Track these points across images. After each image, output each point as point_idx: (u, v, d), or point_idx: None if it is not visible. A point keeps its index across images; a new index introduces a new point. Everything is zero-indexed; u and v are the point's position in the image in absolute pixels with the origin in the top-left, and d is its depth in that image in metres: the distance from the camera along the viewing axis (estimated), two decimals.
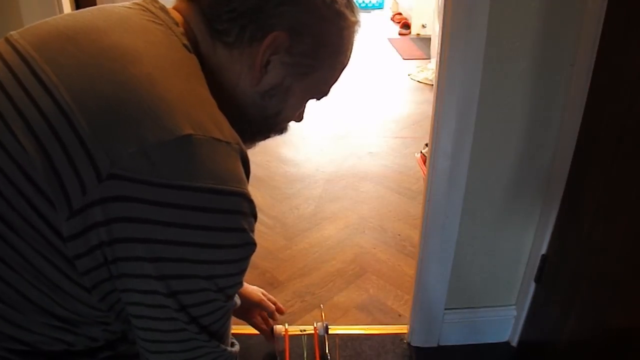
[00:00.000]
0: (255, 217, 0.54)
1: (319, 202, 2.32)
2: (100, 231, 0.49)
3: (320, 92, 0.69)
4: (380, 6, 6.50)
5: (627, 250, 1.03)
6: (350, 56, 0.68)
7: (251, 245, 0.54)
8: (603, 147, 1.11)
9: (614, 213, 1.08)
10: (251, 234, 0.54)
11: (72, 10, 1.45)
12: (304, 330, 1.50)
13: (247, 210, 0.53)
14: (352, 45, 0.67)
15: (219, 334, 0.57)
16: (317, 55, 0.63)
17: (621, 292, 1.05)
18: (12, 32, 0.58)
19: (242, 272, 0.56)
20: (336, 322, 1.61)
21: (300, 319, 1.61)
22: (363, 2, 6.45)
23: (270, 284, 1.79)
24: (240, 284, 0.57)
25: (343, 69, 0.69)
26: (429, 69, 4.06)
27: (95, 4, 1.47)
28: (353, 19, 0.65)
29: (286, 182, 2.48)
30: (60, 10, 1.37)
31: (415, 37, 5.22)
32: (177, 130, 0.49)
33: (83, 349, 0.60)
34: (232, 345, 0.62)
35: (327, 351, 1.47)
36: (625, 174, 1.03)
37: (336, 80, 0.69)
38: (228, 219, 0.51)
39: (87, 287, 0.53)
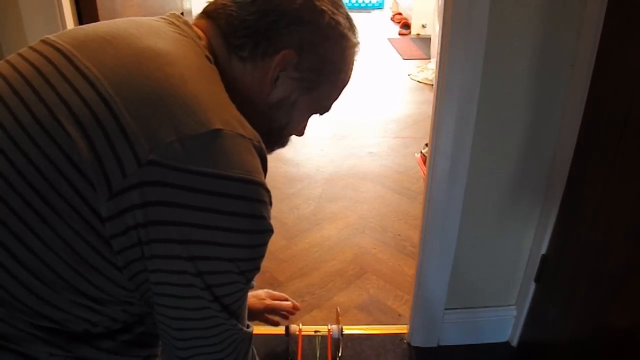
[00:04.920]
0: (271, 205, 0.60)
1: (319, 202, 2.33)
2: (136, 213, 0.52)
3: (323, 107, 0.75)
4: (380, 6, 6.50)
5: (627, 250, 1.03)
6: (350, 75, 0.75)
7: (270, 232, 0.59)
8: (603, 147, 1.11)
9: (614, 213, 1.08)
10: (270, 220, 0.59)
11: (73, 11, 1.45)
12: (318, 332, 1.50)
13: (267, 199, 0.58)
14: (352, 64, 0.74)
15: (237, 313, 0.61)
16: (322, 72, 0.70)
17: (621, 292, 1.05)
18: (47, 35, 0.62)
19: (261, 257, 0.61)
20: (336, 322, 1.60)
21: (300, 319, 1.61)
22: (363, 2, 6.46)
23: (270, 284, 1.79)
24: (258, 268, 0.61)
25: (344, 87, 0.75)
26: (429, 69, 4.06)
27: (95, 6, 1.47)
28: (354, 40, 0.72)
29: (286, 182, 2.48)
30: (61, 11, 1.37)
31: (415, 37, 5.22)
32: (209, 124, 0.54)
33: (103, 330, 0.63)
34: (248, 326, 0.66)
35: (339, 354, 1.47)
36: (625, 174, 1.03)
37: (338, 96, 0.76)
38: (251, 206, 0.56)
39: (120, 265, 0.56)
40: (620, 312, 1.05)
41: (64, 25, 1.38)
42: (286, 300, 1.33)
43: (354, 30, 0.72)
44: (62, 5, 1.37)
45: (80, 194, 0.52)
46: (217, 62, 0.64)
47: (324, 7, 0.67)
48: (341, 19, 0.69)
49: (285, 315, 1.30)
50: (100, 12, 1.49)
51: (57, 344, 0.60)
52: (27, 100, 0.55)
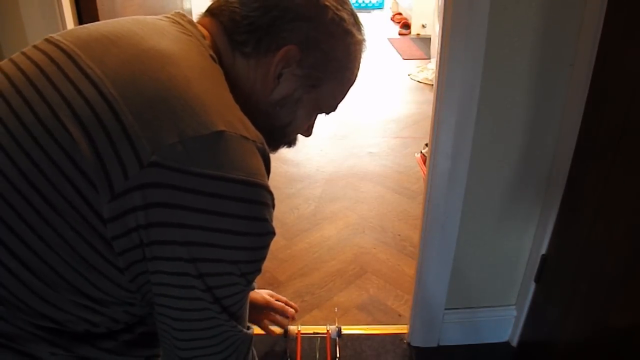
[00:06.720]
0: (274, 207, 0.59)
1: (319, 202, 2.33)
2: (138, 215, 0.52)
3: (329, 106, 0.74)
4: (380, 6, 6.51)
5: (627, 250, 1.03)
6: (357, 73, 0.74)
7: (271, 235, 0.59)
8: (603, 147, 1.11)
9: (614, 213, 1.08)
10: (272, 223, 0.58)
11: (73, 11, 1.45)
12: (317, 333, 1.50)
13: (269, 201, 0.58)
14: (359, 62, 0.73)
15: (237, 315, 0.61)
16: (326, 69, 0.69)
17: (621, 291, 1.05)
18: (52, 34, 0.62)
19: (262, 259, 0.60)
20: (336, 322, 1.61)
21: (301, 319, 1.61)
22: (363, 2, 6.46)
23: (270, 284, 1.79)
24: (259, 270, 0.61)
25: (351, 85, 0.74)
26: (429, 69, 4.06)
27: (95, 6, 1.47)
28: (359, 37, 0.71)
29: (286, 182, 2.48)
30: (61, 11, 1.37)
31: (415, 37, 5.22)
32: (212, 126, 0.53)
33: (104, 331, 0.63)
34: (248, 328, 0.66)
35: (337, 355, 1.47)
36: (625, 174, 1.03)
37: (344, 95, 0.74)
38: (254, 208, 0.56)
39: (121, 267, 0.56)
40: (620, 312, 1.05)
41: (64, 25, 1.38)
42: (286, 304, 1.33)
43: (359, 27, 0.71)
44: (62, 5, 1.37)
45: (82, 194, 0.52)
46: (221, 61, 0.64)
47: (327, 3, 0.66)
48: (345, 15, 0.68)
49: (283, 320, 1.30)
50: (100, 12, 1.49)
51: (58, 344, 0.60)
52: (30, 100, 0.55)
